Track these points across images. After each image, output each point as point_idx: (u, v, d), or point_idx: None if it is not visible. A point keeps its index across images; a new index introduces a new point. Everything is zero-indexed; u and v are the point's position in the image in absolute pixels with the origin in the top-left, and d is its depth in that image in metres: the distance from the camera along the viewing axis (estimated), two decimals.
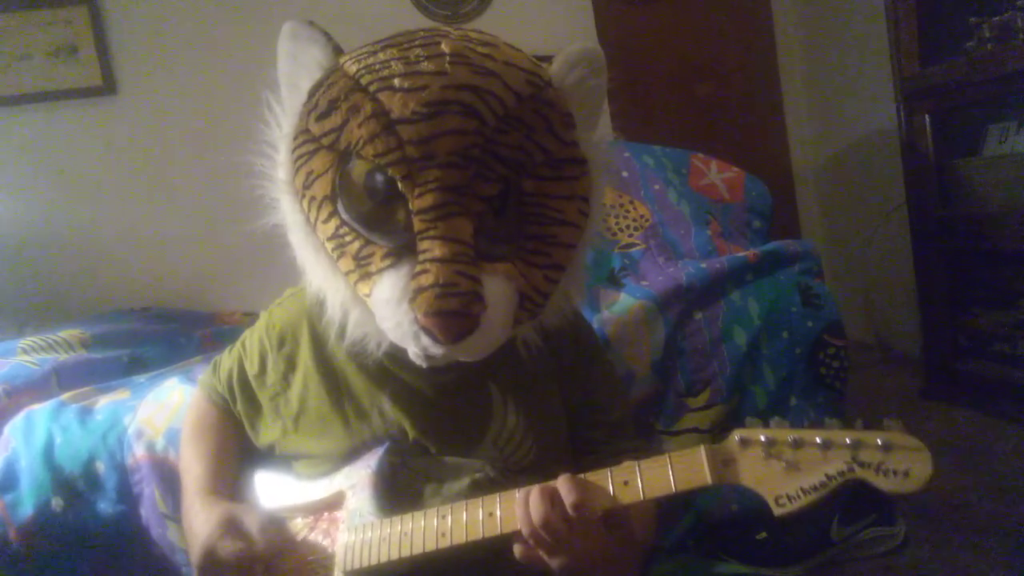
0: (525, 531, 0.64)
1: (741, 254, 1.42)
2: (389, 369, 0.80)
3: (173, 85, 2.22)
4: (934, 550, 1.33)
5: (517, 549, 0.66)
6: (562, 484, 0.64)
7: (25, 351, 1.45)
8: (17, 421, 1.19)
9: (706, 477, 0.60)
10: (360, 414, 0.81)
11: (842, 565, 1.32)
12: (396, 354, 0.74)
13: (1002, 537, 1.34)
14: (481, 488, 0.76)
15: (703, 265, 1.36)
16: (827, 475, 0.56)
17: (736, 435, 0.61)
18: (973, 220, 1.93)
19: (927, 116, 1.99)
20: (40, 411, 1.20)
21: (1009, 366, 1.91)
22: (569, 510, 0.62)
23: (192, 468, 0.88)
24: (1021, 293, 1.92)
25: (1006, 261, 1.94)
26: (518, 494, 0.66)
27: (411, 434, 0.79)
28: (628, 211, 1.62)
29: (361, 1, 2.32)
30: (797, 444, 0.58)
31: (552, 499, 0.63)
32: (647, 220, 1.60)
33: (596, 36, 2.58)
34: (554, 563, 0.65)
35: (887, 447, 0.55)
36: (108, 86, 2.16)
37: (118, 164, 2.19)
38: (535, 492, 0.64)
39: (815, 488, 0.57)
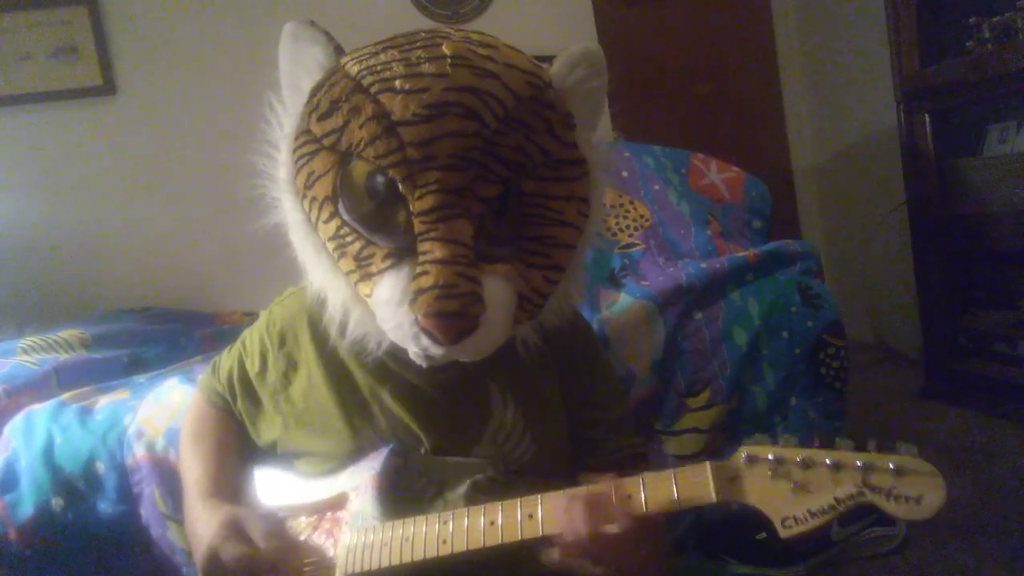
0: (570, 538, 0.61)
1: (741, 254, 1.42)
2: (389, 367, 0.80)
3: (173, 85, 2.21)
4: (934, 550, 1.33)
5: (554, 555, 0.63)
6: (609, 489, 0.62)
7: (25, 351, 1.45)
8: (17, 421, 1.19)
9: (711, 494, 0.59)
10: (362, 411, 0.81)
11: (842, 565, 1.32)
12: (396, 352, 0.74)
13: (1002, 537, 1.34)
14: (481, 489, 0.76)
15: (703, 265, 1.37)
16: (836, 498, 0.55)
17: (744, 452, 0.59)
18: (973, 220, 1.93)
19: (927, 116, 1.98)
20: (40, 411, 1.20)
21: (1009, 366, 1.91)
22: (624, 519, 0.60)
23: (192, 470, 0.87)
24: (1021, 293, 1.92)
25: (1006, 261, 1.94)
26: (556, 499, 0.63)
27: (411, 431, 0.80)
28: (628, 211, 1.62)
29: (361, 1, 2.32)
30: (806, 465, 0.56)
31: (603, 506, 0.61)
32: (647, 220, 1.60)
33: (596, 36, 2.57)
34: (598, 571, 0.62)
35: (899, 471, 0.53)
36: (108, 86, 2.16)
37: (118, 164, 2.18)
38: (582, 499, 0.62)
39: (823, 511, 0.55)
